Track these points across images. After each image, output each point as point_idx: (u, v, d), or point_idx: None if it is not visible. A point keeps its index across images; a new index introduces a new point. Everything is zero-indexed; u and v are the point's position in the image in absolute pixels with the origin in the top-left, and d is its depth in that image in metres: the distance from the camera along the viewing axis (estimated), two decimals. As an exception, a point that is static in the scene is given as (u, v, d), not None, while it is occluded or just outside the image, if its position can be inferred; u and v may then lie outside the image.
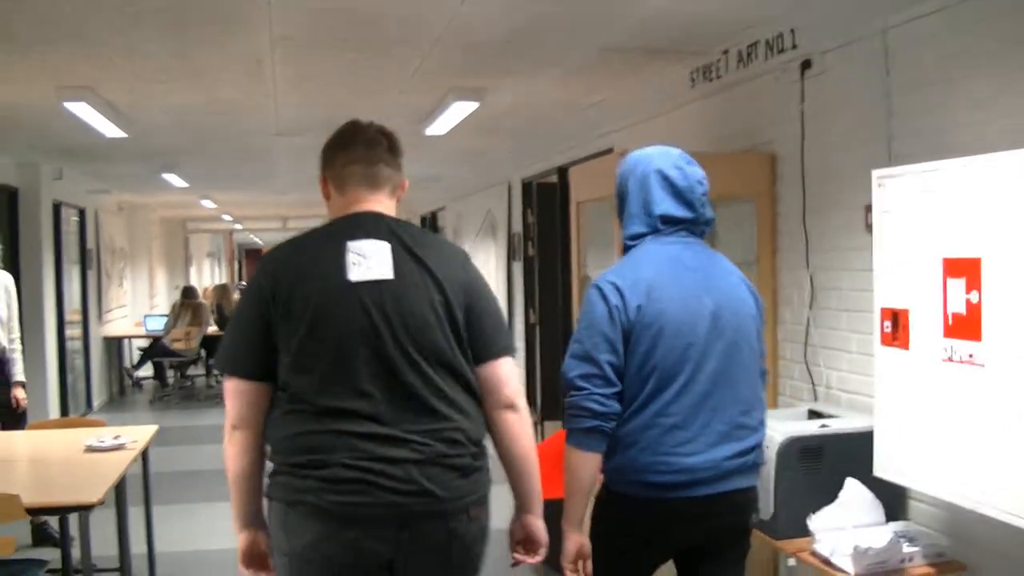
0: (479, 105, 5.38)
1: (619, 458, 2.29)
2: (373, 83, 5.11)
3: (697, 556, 2.40)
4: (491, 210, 9.41)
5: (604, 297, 2.30)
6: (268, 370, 2.12)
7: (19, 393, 5.09)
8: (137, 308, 13.35)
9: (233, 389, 2.15)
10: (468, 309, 2.16)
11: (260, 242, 27.46)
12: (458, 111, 5.53)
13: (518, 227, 8.44)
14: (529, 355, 8.19)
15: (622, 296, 2.28)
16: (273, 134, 6.78)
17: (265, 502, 2.19)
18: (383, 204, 2.25)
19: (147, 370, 11.80)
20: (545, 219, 7.67)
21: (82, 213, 10.11)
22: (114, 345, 11.63)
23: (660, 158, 2.41)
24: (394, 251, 2.14)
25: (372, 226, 2.17)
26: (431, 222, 13.64)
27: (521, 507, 2.27)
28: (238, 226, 19.85)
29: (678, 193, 2.37)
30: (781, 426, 3.10)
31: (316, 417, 2.07)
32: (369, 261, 2.11)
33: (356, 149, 2.24)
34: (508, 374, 2.20)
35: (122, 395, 11.70)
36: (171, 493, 6.20)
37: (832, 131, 3.60)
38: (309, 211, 13.67)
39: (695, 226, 2.41)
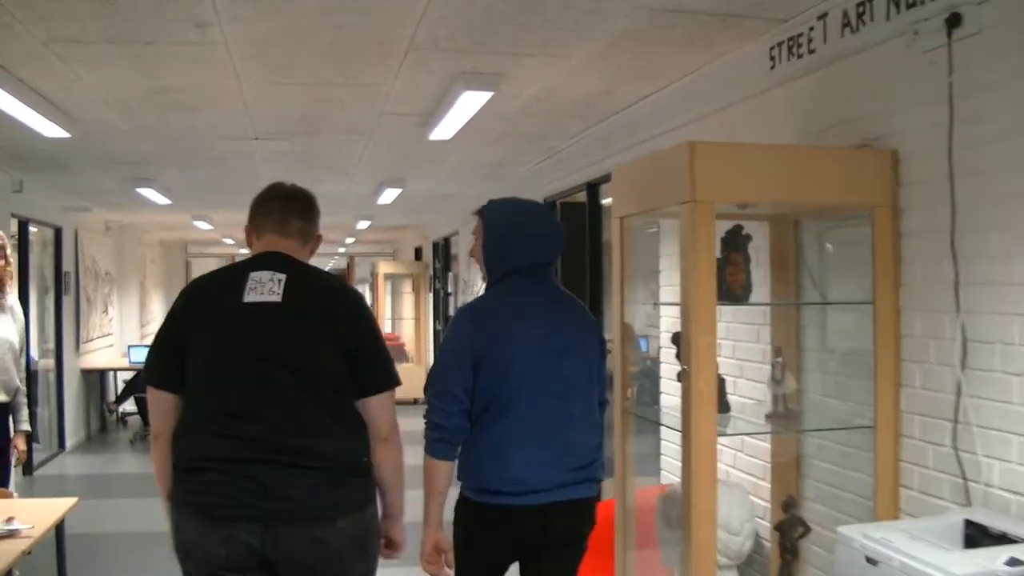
0: (492, 96, 4.30)
1: (467, 469, 2.63)
2: (357, 67, 4.04)
3: (536, 555, 2.67)
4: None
5: (464, 326, 2.64)
6: (180, 383, 2.39)
7: (20, 444, 4.47)
8: (125, 337, 12.31)
9: (151, 399, 2.45)
10: (356, 349, 2.41)
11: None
12: (467, 104, 4.43)
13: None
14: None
15: (481, 325, 2.61)
16: (251, 138, 5.77)
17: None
18: (293, 251, 2.54)
19: (132, 405, 10.72)
20: (570, 244, 6.52)
21: (58, 232, 9.17)
22: (95, 378, 10.59)
23: (522, 214, 2.81)
24: (289, 283, 2.41)
25: (276, 262, 2.46)
26: (444, 249, 12.60)
27: (383, 514, 2.56)
28: (243, 251, 18.89)
29: (535, 243, 2.73)
30: (948, 560, 1.97)
31: (205, 426, 2.33)
32: (263, 287, 2.39)
33: (273, 203, 2.58)
34: (382, 409, 2.47)
35: (103, 432, 10.68)
36: (123, 560, 5.34)
37: (996, 115, 2.49)
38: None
39: (545, 268, 2.77)
